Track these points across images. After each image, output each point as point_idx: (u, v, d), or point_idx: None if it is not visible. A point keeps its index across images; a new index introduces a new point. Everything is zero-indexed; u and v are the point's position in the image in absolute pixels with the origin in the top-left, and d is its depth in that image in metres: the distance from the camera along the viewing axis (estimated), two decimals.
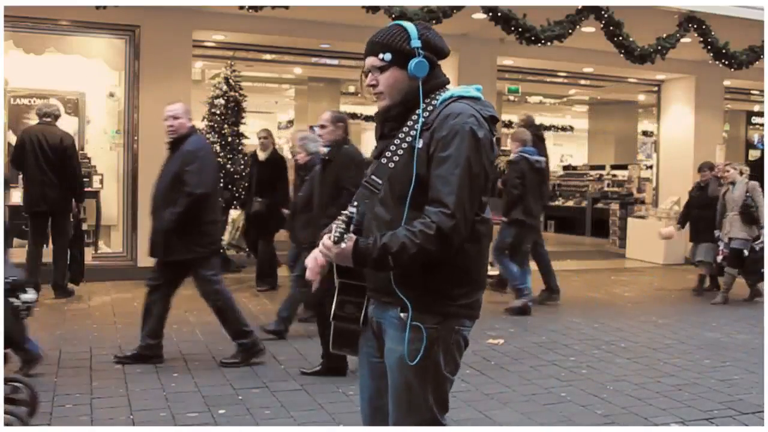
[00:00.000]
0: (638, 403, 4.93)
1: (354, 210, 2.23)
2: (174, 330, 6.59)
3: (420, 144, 2.29)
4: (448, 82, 2.44)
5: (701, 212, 9.32)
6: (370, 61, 2.40)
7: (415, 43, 2.35)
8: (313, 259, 2.48)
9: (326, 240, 2.26)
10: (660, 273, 11.10)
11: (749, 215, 8.60)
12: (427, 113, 2.33)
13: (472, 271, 2.38)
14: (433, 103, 2.36)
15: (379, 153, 2.42)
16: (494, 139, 2.37)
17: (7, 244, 8.97)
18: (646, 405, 4.88)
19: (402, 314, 2.33)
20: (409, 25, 2.39)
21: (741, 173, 8.93)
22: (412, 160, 2.29)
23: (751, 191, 8.70)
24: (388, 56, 2.35)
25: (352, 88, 17.39)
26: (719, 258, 8.94)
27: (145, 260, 9.08)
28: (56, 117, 7.92)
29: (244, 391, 4.95)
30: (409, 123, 2.35)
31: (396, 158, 2.33)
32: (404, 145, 2.32)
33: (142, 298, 7.90)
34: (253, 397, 4.82)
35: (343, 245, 2.21)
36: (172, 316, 7.10)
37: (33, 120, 9.32)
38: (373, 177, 2.37)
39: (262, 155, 8.74)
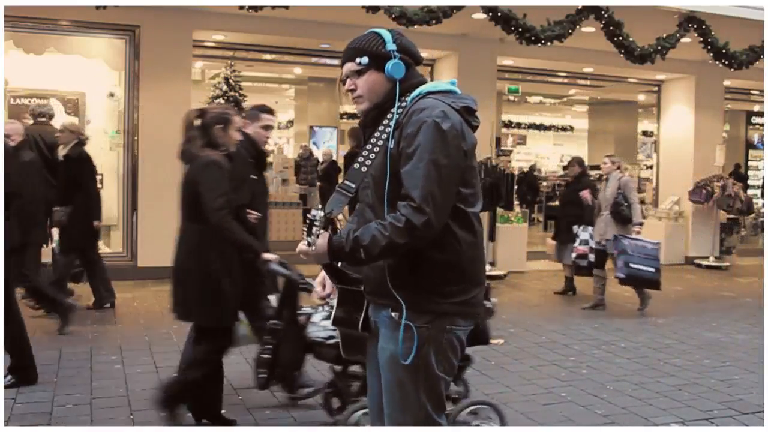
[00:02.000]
0: (638, 403, 4.93)
1: (316, 213, 2.24)
2: (174, 330, 6.59)
3: (392, 144, 2.32)
4: (425, 82, 2.45)
5: (562, 210, 9.11)
6: (348, 66, 2.44)
7: (391, 46, 2.40)
8: (320, 285, 2.60)
9: (302, 247, 2.28)
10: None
11: (619, 214, 7.88)
12: (400, 112, 2.36)
13: (464, 267, 2.37)
14: (403, 105, 2.37)
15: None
16: (468, 128, 2.37)
17: None
18: (646, 405, 4.89)
19: (393, 313, 2.35)
20: (383, 31, 2.44)
21: (619, 168, 8.22)
22: (385, 160, 2.32)
23: (623, 187, 7.96)
24: (365, 60, 2.39)
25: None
26: (573, 255, 8.41)
27: (146, 260, 9.14)
28: (50, 116, 7.89)
29: (244, 391, 4.95)
30: (382, 125, 2.38)
31: (369, 162, 2.36)
32: (377, 149, 2.35)
33: (142, 298, 7.95)
34: (253, 397, 4.82)
35: (313, 248, 2.25)
36: (172, 316, 7.12)
37: (32, 120, 9.32)
38: (345, 182, 2.38)
39: (61, 151, 7.26)
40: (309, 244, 2.24)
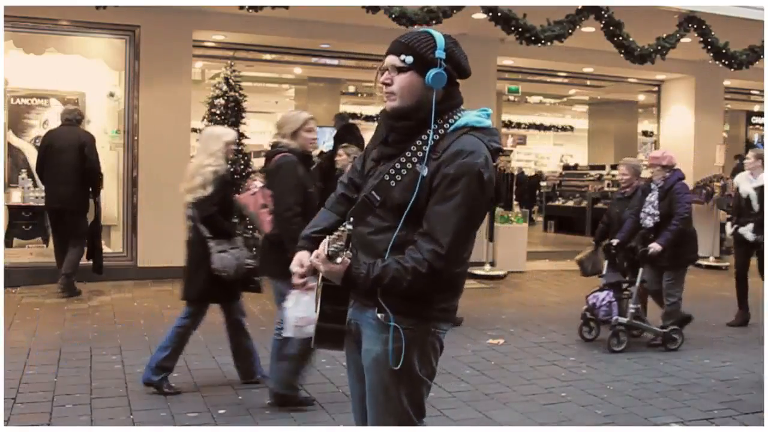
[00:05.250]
0: (638, 403, 4.93)
1: (351, 227, 2.22)
2: None
3: (425, 172, 2.27)
4: (462, 103, 2.40)
5: None
6: (391, 59, 2.35)
7: (440, 54, 2.30)
8: (299, 264, 2.45)
9: (320, 252, 2.24)
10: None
11: None
12: (438, 136, 2.30)
13: (454, 280, 2.40)
14: (444, 126, 2.32)
15: (379, 161, 2.41)
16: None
17: (8, 244, 9.01)
18: (646, 405, 4.89)
19: (379, 315, 2.33)
20: (438, 35, 2.35)
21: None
22: (412, 183, 2.27)
23: None
24: (409, 59, 2.30)
25: (352, 88, 17.38)
26: None
27: (146, 260, 9.13)
28: (78, 121, 8.24)
29: (244, 391, 4.95)
30: (417, 143, 2.31)
31: (399, 177, 2.31)
32: (409, 166, 2.30)
33: (141, 298, 7.96)
34: (253, 397, 4.82)
35: (338, 260, 2.19)
36: (172, 316, 7.12)
37: (33, 120, 9.38)
38: (373, 193, 2.35)
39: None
40: (337, 254, 2.18)
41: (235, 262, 4.79)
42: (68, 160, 7.90)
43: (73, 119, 8.15)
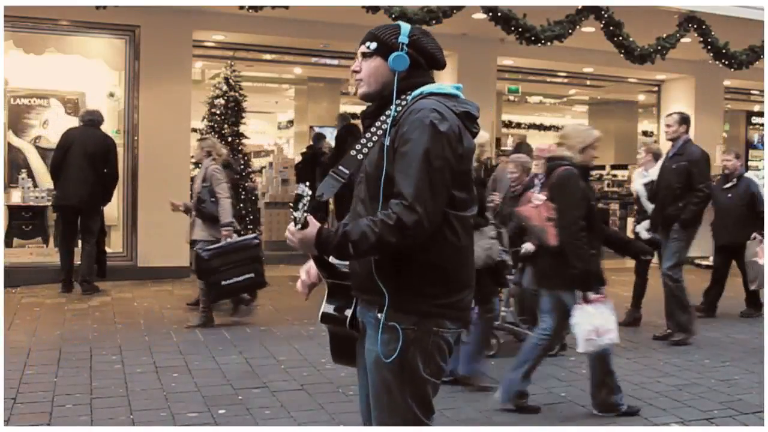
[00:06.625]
0: (638, 403, 4.92)
1: (304, 188, 2.23)
2: (174, 330, 6.59)
3: (387, 141, 2.32)
4: (430, 83, 2.44)
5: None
6: (360, 48, 2.47)
7: (403, 39, 2.40)
8: (306, 272, 2.54)
9: (291, 226, 2.26)
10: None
11: (202, 212, 6.61)
12: (400, 108, 2.37)
13: (449, 270, 2.35)
14: (407, 99, 2.39)
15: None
16: (467, 133, 2.36)
17: (8, 244, 9.01)
18: (646, 405, 4.88)
19: (379, 314, 2.32)
20: (405, 25, 2.45)
21: (210, 154, 6.83)
22: (379, 155, 2.32)
23: (209, 179, 6.67)
24: (373, 45, 2.42)
25: (352, 88, 17.41)
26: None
27: (146, 260, 9.14)
28: (98, 123, 8.35)
29: (244, 391, 4.95)
30: (381, 118, 2.39)
31: (366, 150, 2.37)
32: (371, 143, 2.37)
33: (142, 298, 7.96)
34: (253, 397, 4.82)
35: (299, 226, 2.22)
36: (172, 316, 7.13)
37: (33, 120, 9.39)
38: (339, 167, 2.38)
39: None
40: (296, 221, 2.21)
41: (483, 254, 4.81)
42: (90, 161, 8.05)
43: (95, 120, 8.31)
